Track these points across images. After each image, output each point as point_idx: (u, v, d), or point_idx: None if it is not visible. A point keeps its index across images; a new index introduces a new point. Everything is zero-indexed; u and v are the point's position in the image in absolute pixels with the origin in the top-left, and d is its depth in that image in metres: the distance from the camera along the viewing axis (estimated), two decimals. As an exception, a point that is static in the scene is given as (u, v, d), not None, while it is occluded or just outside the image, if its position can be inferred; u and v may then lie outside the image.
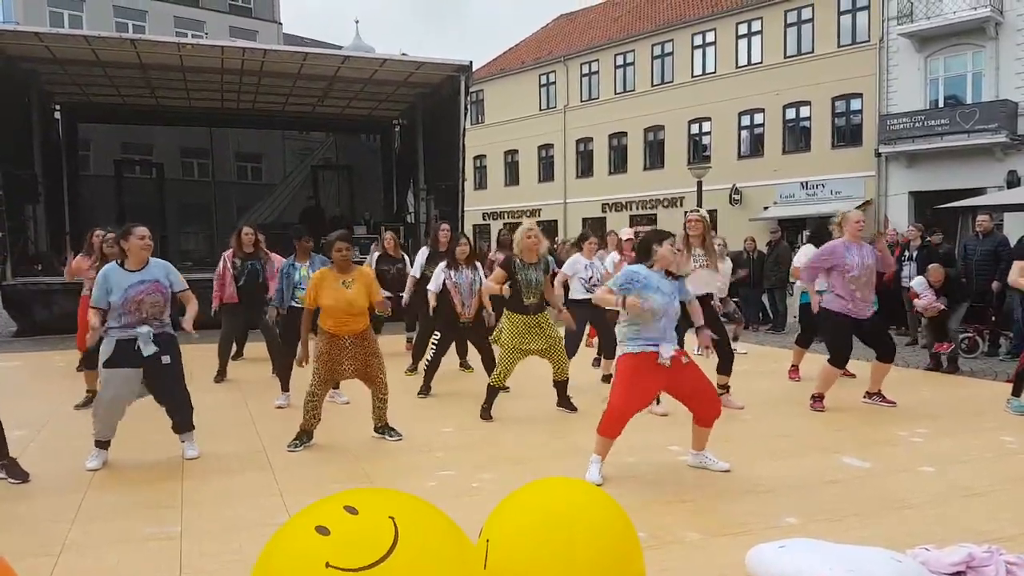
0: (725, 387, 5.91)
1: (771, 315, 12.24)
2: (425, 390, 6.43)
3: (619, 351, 4.05)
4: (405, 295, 7.78)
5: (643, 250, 4.13)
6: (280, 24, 35.42)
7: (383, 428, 4.95)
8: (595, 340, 8.30)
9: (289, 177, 21.64)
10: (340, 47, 23.62)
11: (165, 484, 4.03)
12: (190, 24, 31.17)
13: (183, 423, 4.53)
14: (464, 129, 13.54)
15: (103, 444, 4.38)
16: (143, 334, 4.23)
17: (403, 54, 14.69)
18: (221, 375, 7.22)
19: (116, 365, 4.25)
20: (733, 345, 6.67)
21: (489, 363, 6.60)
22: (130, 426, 4.79)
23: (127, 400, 4.37)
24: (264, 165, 22.47)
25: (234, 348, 7.88)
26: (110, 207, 15.89)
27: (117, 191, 16.81)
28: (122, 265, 4.32)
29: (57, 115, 15.31)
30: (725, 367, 5.88)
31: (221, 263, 7.26)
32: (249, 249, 7.12)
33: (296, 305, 6.03)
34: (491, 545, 1.92)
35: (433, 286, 6.54)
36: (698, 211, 5.91)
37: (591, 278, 6.91)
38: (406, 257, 8.35)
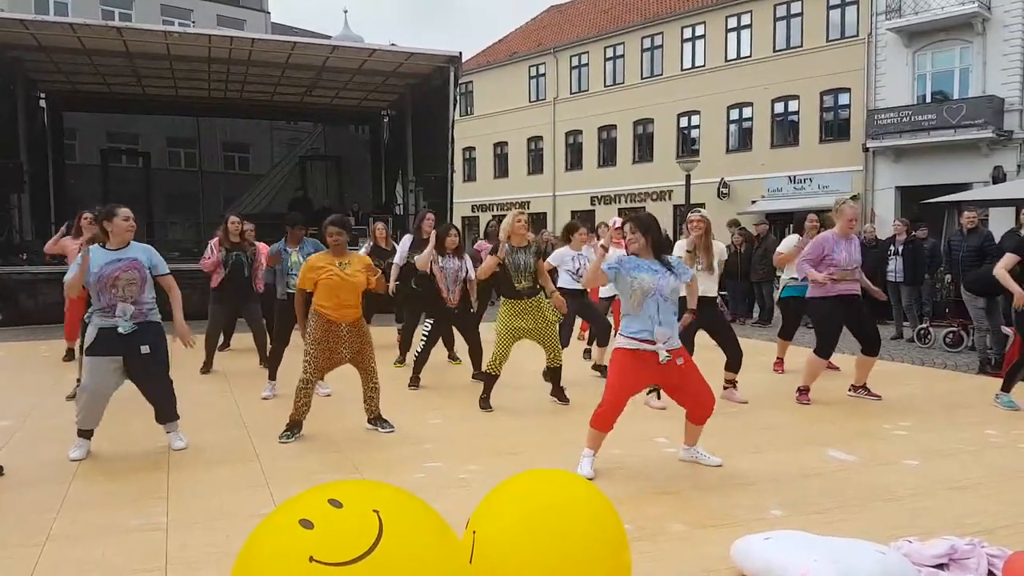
0: (732, 382, 5.92)
1: (758, 308, 12.33)
2: (415, 381, 6.42)
3: (615, 343, 4.03)
4: (391, 284, 7.74)
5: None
6: (268, 13, 35.11)
7: (376, 420, 4.95)
8: (587, 333, 8.32)
9: (277, 167, 21.50)
10: (329, 37, 23.43)
11: (151, 475, 4.01)
12: (177, 12, 30.82)
13: (166, 413, 4.49)
14: (453, 120, 13.49)
15: (86, 433, 4.35)
16: (122, 314, 4.16)
17: (392, 44, 14.59)
18: (207, 366, 7.18)
19: (97, 353, 4.21)
20: None
21: (476, 354, 6.61)
22: (116, 417, 4.77)
23: (110, 389, 4.33)
24: (252, 155, 22.29)
25: (221, 339, 7.85)
26: (96, 196, 15.65)
27: (103, 180, 16.63)
28: (103, 246, 4.28)
29: (42, 103, 15.12)
30: (734, 365, 5.85)
31: (208, 251, 7.23)
32: (235, 239, 7.11)
33: (291, 292, 5.99)
34: (477, 537, 1.92)
35: (398, 259, 6.57)
36: (699, 211, 5.85)
37: (578, 270, 6.88)
38: (397, 248, 8.32)
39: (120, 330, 4.18)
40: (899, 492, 3.73)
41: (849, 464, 4.22)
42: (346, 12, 25.93)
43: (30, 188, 13.40)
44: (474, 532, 1.94)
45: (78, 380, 5.79)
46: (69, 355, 7.59)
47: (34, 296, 11.24)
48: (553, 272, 6.73)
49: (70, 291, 4.34)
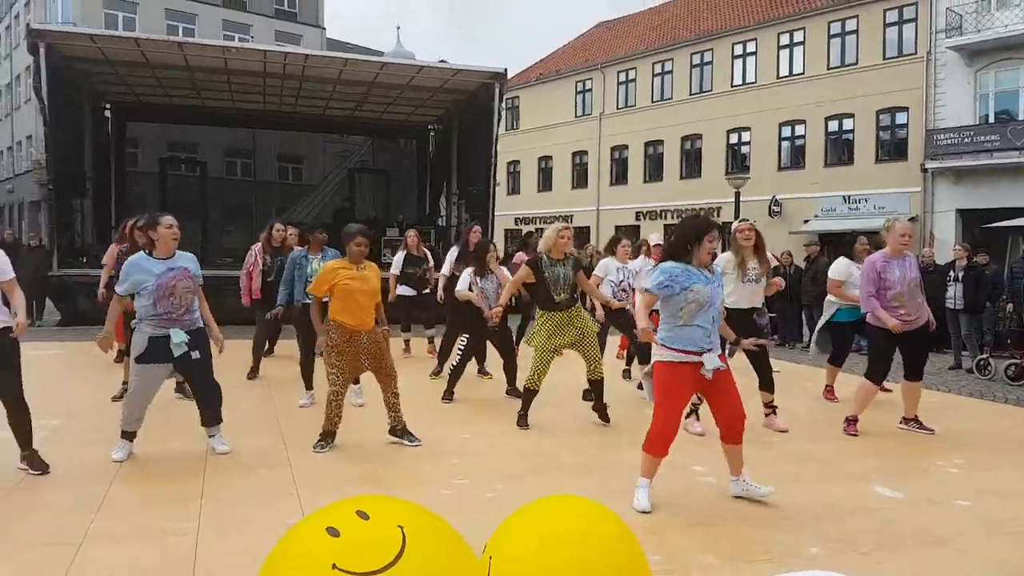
0: (771, 406, 5.67)
1: (808, 332, 11.98)
2: (449, 395, 6.41)
3: (655, 357, 3.88)
4: (439, 292, 7.83)
5: (680, 248, 3.88)
6: (324, 29, 36.06)
7: (401, 431, 4.93)
8: (625, 351, 8.20)
9: (328, 179, 21.98)
10: (382, 53, 23.93)
11: (188, 478, 4.09)
12: (237, 27, 31.90)
13: (212, 416, 4.59)
14: (497, 135, 13.60)
15: (129, 435, 4.47)
16: (175, 337, 4.28)
17: (442, 61, 14.80)
18: (254, 372, 7.27)
19: (147, 361, 4.33)
20: None
21: (511, 370, 6.57)
22: (158, 419, 4.89)
23: (155, 393, 4.47)
24: (305, 166, 22.85)
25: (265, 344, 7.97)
26: (154, 203, 16.25)
27: (162, 188, 17.26)
28: (150, 255, 4.40)
29: (107, 114, 15.79)
30: (767, 384, 5.63)
31: (250, 256, 7.35)
32: (278, 245, 7.22)
33: (310, 301, 6.02)
34: (493, 563, 1.89)
35: (462, 287, 6.54)
36: (747, 220, 5.68)
37: (621, 282, 6.84)
38: (429, 255, 8.40)
39: (175, 353, 4.30)
40: (947, 534, 3.54)
41: (895, 501, 4.03)
42: (399, 28, 26.50)
43: (92, 194, 13.99)
44: (490, 558, 1.91)
45: (124, 383, 5.98)
46: (120, 356, 7.81)
47: (92, 297, 11.62)
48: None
49: (102, 346, 4.48)
